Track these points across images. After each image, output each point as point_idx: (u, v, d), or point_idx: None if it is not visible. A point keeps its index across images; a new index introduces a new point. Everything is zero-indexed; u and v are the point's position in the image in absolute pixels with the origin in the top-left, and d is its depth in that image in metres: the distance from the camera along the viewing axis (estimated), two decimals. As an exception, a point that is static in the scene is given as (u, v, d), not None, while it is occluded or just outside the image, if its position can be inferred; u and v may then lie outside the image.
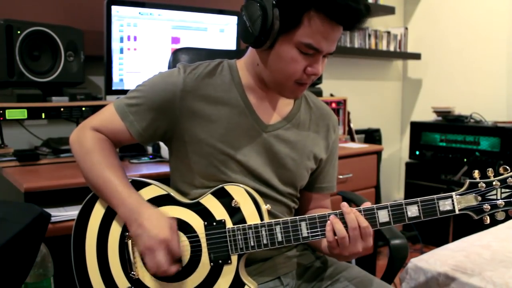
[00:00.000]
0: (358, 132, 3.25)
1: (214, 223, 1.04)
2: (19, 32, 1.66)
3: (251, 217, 1.03)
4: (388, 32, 3.49)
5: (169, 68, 1.47)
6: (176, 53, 1.47)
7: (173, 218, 1.03)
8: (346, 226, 0.98)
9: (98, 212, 1.08)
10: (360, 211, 1.00)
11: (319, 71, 1.03)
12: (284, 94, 1.11)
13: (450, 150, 3.11)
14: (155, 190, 1.09)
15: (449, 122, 3.17)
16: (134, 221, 1.00)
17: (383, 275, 1.29)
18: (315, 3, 0.95)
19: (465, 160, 2.99)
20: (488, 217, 1.00)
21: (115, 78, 1.93)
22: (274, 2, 0.96)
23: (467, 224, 2.53)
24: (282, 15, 0.97)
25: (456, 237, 1.87)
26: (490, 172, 1.00)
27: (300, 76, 1.03)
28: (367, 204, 1.01)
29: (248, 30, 1.01)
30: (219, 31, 2.15)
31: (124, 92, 1.94)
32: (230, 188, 1.06)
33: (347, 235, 0.97)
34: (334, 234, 0.99)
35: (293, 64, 1.01)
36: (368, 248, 1.00)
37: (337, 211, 1.01)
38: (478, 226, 1.66)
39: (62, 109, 1.72)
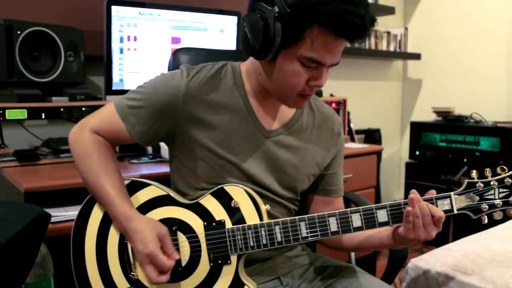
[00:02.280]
0: (358, 132, 3.25)
1: (214, 223, 1.04)
2: (19, 32, 1.66)
3: (251, 217, 1.03)
4: (388, 32, 3.49)
5: (169, 68, 1.46)
6: (176, 53, 1.47)
7: (165, 227, 1.02)
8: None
9: (97, 212, 1.08)
10: (359, 211, 1.01)
11: (322, 83, 1.02)
12: (287, 104, 1.10)
13: (450, 150, 3.11)
14: (154, 190, 1.09)
15: (449, 122, 3.17)
16: (126, 234, 1.02)
17: (383, 275, 1.29)
18: (319, 18, 0.92)
19: (465, 160, 2.99)
20: (486, 217, 1.01)
21: (115, 78, 1.93)
22: (276, 15, 0.94)
23: (467, 224, 2.53)
24: (284, 29, 0.94)
25: (456, 237, 1.87)
26: (488, 172, 1.01)
27: (303, 88, 1.02)
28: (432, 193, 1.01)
29: (249, 43, 0.99)
30: (219, 31, 2.15)
31: (124, 92, 1.94)
32: (230, 189, 1.06)
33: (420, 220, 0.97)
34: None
35: (296, 77, 1.00)
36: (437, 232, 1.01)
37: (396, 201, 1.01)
38: (478, 226, 1.65)
39: (62, 109, 1.72)
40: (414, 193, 0.98)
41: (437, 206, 1.00)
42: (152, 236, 0.99)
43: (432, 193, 1.01)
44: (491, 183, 1.00)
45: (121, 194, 1.04)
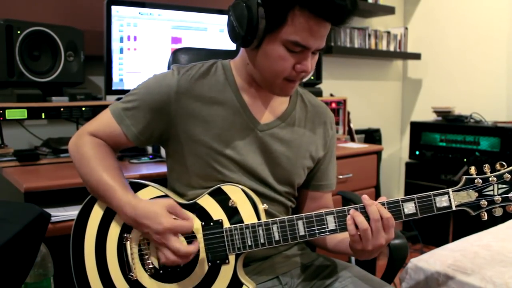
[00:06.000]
0: (358, 132, 3.24)
1: (212, 223, 1.04)
2: (19, 32, 1.66)
3: (248, 217, 1.04)
4: (388, 32, 3.49)
5: (169, 68, 1.47)
6: (176, 53, 1.47)
7: (169, 199, 1.03)
8: (367, 218, 0.98)
9: (96, 213, 1.08)
10: (356, 209, 1.00)
11: (309, 68, 1.03)
12: (274, 92, 1.11)
13: (450, 150, 3.11)
14: (152, 191, 1.09)
15: (449, 122, 3.17)
16: (137, 223, 1.01)
17: (383, 275, 1.29)
18: (299, 0, 0.95)
19: (465, 160, 2.99)
20: (485, 213, 1.00)
21: (115, 78, 1.93)
22: (259, 1, 0.97)
23: (467, 224, 2.53)
24: (268, 14, 0.97)
25: (456, 237, 1.87)
26: (486, 168, 1.00)
27: (289, 73, 1.04)
28: (383, 199, 1.02)
29: (235, 30, 1.03)
30: (219, 31, 2.15)
31: (124, 92, 1.94)
32: (227, 188, 1.06)
33: (369, 227, 0.97)
34: (356, 227, 0.98)
35: (281, 62, 1.02)
36: (390, 239, 1.00)
37: (358, 205, 1.00)
38: (478, 226, 1.66)
39: (62, 109, 1.72)
40: (365, 199, 0.99)
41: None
42: (162, 212, 0.99)
43: (383, 199, 1.01)
44: (490, 179, 0.99)
45: (123, 186, 1.04)
